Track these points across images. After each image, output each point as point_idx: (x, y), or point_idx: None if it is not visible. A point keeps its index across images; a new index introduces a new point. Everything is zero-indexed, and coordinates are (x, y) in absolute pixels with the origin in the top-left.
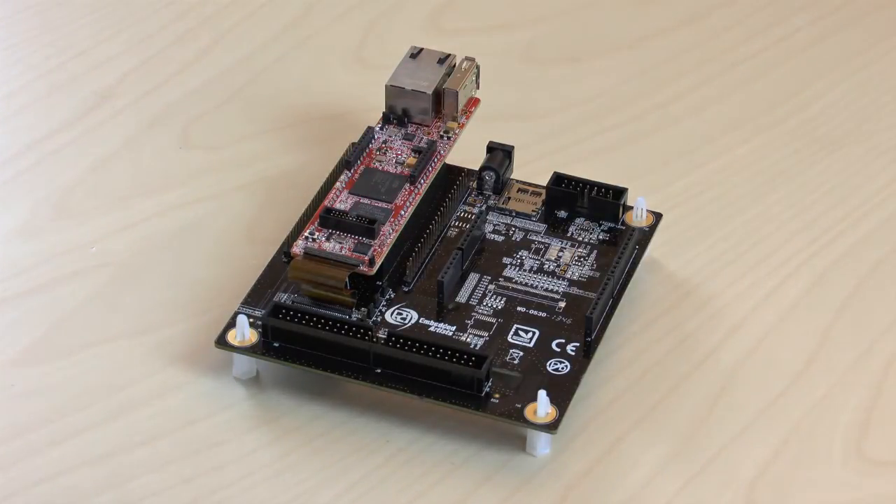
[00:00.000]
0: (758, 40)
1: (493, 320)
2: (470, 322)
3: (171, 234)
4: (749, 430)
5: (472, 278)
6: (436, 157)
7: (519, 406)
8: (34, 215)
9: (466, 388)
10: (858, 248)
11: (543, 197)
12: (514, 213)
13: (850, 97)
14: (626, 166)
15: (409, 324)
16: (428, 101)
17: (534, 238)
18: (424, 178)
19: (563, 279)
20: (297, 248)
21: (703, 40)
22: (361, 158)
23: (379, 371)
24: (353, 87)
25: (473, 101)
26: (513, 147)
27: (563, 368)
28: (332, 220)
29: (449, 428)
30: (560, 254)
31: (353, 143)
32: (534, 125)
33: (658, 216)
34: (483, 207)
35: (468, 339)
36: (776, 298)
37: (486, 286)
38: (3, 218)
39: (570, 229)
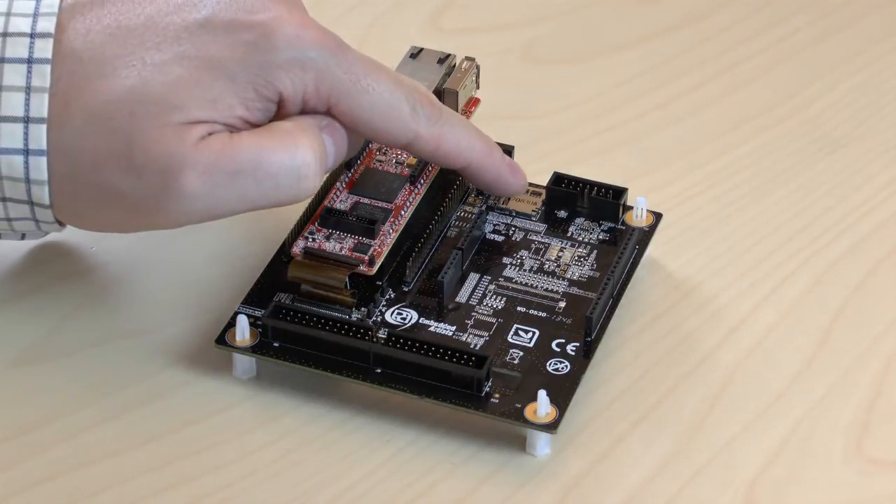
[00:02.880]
0: (758, 40)
1: (493, 320)
2: (470, 322)
3: (171, 233)
4: (749, 430)
5: (472, 278)
6: None
7: (519, 406)
8: None
9: (466, 388)
10: (858, 248)
11: (543, 197)
12: (514, 213)
13: (850, 97)
14: (626, 166)
15: (409, 324)
16: None
17: (534, 238)
18: (424, 178)
19: (563, 279)
20: (297, 247)
21: (703, 40)
22: (361, 158)
23: (379, 371)
24: None
25: (473, 101)
26: (513, 147)
27: (563, 368)
28: (332, 220)
29: (449, 428)
30: (560, 254)
31: None
32: (534, 125)
33: (658, 216)
34: (483, 207)
35: (468, 339)
36: (776, 298)
37: (486, 286)
38: None
39: (570, 229)
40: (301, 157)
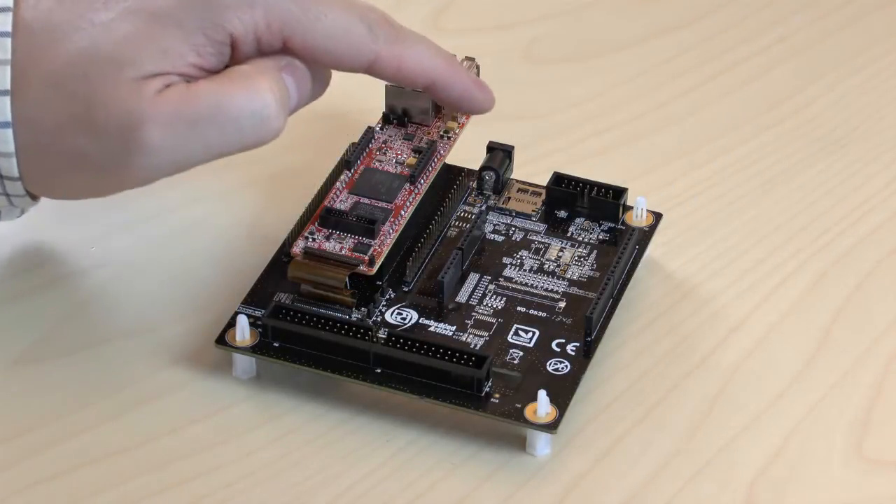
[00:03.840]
0: (758, 40)
1: (493, 320)
2: (470, 322)
3: (171, 233)
4: (749, 430)
5: (472, 278)
6: (436, 157)
7: (519, 406)
8: (34, 215)
9: (466, 388)
10: (858, 248)
11: (543, 197)
12: (514, 213)
13: (850, 97)
14: (626, 166)
15: (409, 324)
16: (428, 101)
17: (534, 238)
18: (424, 178)
19: (563, 279)
20: (297, 247)
21: (703, 40)
22: (361, 158)
23: (379, 371)
24: (353, 87)
25: None
26: (513, 147)
27: (563, 368)
28: (332, 220)
29: (449, 428)
30: (560, 254)
31: (353, 143)
32: (534, 125)
33: (658, 216)
34: (483, 207)
35: (468, 339)
36: (776, 298)
37: (486, 286)
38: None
39: (570, 229)
40: (261, 99)
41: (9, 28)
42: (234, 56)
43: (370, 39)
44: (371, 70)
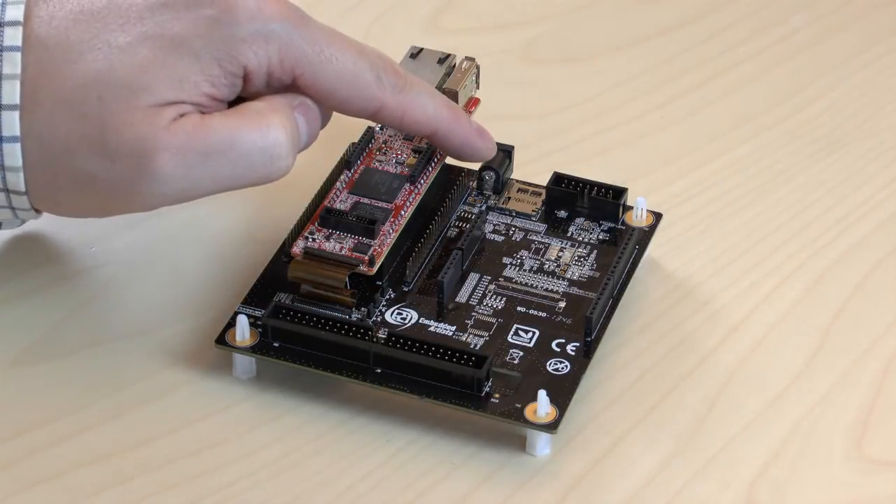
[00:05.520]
0: (758, 40)
1: (493, 320)
2: (470, 322)
3: (171, 233)
4: (749, 430)
5: (472, 278)
6: (436, 157)
7: (519, 406)
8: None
9: (466, 388)
10: (858, 249)
11: (543, 197)
12: (514, 213)
13: (850, 97)
14: (626, 166)
15: (409, 324)
16: None
17: (534, 238)
18: (424, 178)
19: (563, 279)
20: (297, 247)
21: (703, 40)
22: (361, 158)
23: (379, 371)
24: None
25: (473, 101)
26: (513, 147)
27: (563, 368)
28: (332, 220)
29: (449, 428)
30: (560, 254)
31: (353, 143)
32: (534, 125)
33: (658, 216)
34: (483, 207)
35: (468, 339)
36: (776, 298)
37: (486, 286)
38: None
39: (570, 229)
40: (273, 137)
41: (19, 42)
42: (245, 87)
43: (377, 87)
44: (376, 117)
